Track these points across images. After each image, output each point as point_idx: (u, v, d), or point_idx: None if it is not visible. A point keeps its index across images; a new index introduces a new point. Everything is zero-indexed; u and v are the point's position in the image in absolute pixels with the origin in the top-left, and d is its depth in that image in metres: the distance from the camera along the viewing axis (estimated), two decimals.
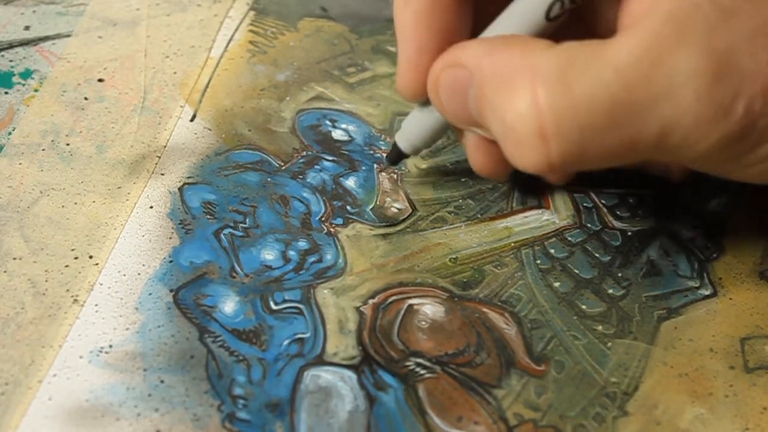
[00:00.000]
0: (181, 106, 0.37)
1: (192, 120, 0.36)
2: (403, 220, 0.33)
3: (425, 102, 0.31)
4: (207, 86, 0.38)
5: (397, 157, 0.33)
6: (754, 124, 0.24)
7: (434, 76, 0.29)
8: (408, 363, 0.29)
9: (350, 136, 0.36)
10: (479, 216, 0.34)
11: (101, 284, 0.30)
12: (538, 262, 0.32)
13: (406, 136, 0.33)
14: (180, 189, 0.33)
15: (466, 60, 0.28)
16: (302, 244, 0.32)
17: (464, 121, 0.29)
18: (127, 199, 0.33)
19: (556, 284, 0.31)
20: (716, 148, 0.25)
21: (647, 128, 0.24)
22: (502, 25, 0.29)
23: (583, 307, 0.31)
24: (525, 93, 0.25)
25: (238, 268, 0.31)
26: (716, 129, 0.24)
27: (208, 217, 0.32)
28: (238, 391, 0.28)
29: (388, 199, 0.34)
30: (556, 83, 0.25)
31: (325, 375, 0.28)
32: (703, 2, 0.24)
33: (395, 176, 0.35)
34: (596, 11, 0.30)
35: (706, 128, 0.24)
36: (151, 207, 0.33)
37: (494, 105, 0.26)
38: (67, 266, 0.31)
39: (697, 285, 0.32)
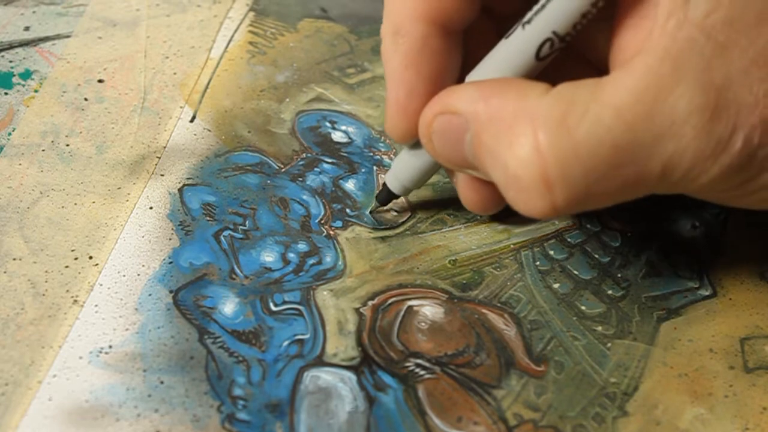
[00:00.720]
0: (181, 107, 0.37)
1: (192, 121, 0.36)
2: (403, 223, 0.33)
3: (415, 144, 0.30)
4: (207, 87, 0.38)
5: (387, 198, 0.33)
6: (754, 155, 0.24)
7: (426, 123, 0.28)
8: (408, 364, 0.29)
9: (350, 138, 0.36)
10: (478, 218, 0.34)
11: (101, 285, 0.30)
12: (538, 263, 0.32)
13: (396, 177, 0.32)
14: (180, 190, 0.33)
15: (460, 106, 0.27)
16: (302, 246, 0.32)
17: (458, 164, 0.29)
18: (127, 200, 0.33)
19: (556, 285, 0.31)
20: (717, 180, 0.25)
21: (650, 166, 0.24)
22: (492, 66, 0.28)
23: (583, 307, 0.31)
24: (526, 140, 0.25)
25: (237, 270, 0.31)
26: (716, 163, 0.24)
27: (208, 218, 0.32)
28: (237, 391, 0.28)
29: None
30: (557, 128, 0.24)
31: (325, 376, 0.28)
32: (698, 36, 0.24)
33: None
34: (588, 43, 0.29)
35: (706, 162, 0.24)
36: (151, 208, 0.33)
37: (494, 152, 0.26)
38: (67, 267, 0.31)
39: (696, 285, 0.32)
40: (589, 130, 0.24)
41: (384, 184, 0.33)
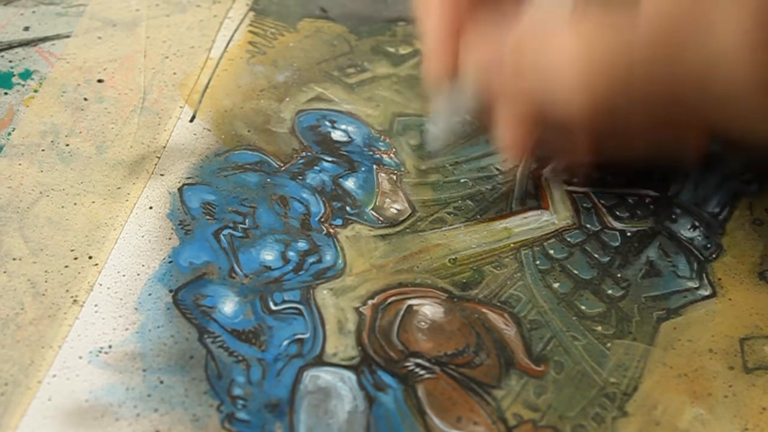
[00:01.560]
0: (181, 107, 0.37)
1: (191, 120, 0.36)
2: (403, 221, 0.33)
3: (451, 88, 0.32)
4: (206, 87, 0.38)
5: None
6: None
7: (468, 58, 0.30)
8: (407, 363, 0.29)
9: (350, 137, 0.36)
10: (478, 217, 0.34)
11: (101, 285, 0.30)
12: (538, 262, 0.32)
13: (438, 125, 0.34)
14: (179, 189, 0.33)
15: (501, 36, 0.29)
16: (302, 244, 0.32)
17: (502, 94, 0.30)
18: (127, 200, 0.33)
19: (556, 285, 0.31)
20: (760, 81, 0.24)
21: (690, 61, 0.24)
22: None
23: (583, 307, 0.31)
24: (565, 39, 0.26)
25: (237, 269, 0.31)
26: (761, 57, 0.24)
27: (208, 217, 0.33)
28: (237, 391, 0.28)
29: (387, 200, 0.34)
30: (597, 26, 0.26)
31: (325, 375, 0.28)
32: None
33: (394, 177, 0.35)
34: None
35: (750, 57, 0.24)
36: (151, 207, 0.33)
37: (534, 60, 0.27)
38: (66, 267, 0.31)
39: (696, 285, 0.32)
40: (627, 23, 0.25)
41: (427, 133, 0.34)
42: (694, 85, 0.26)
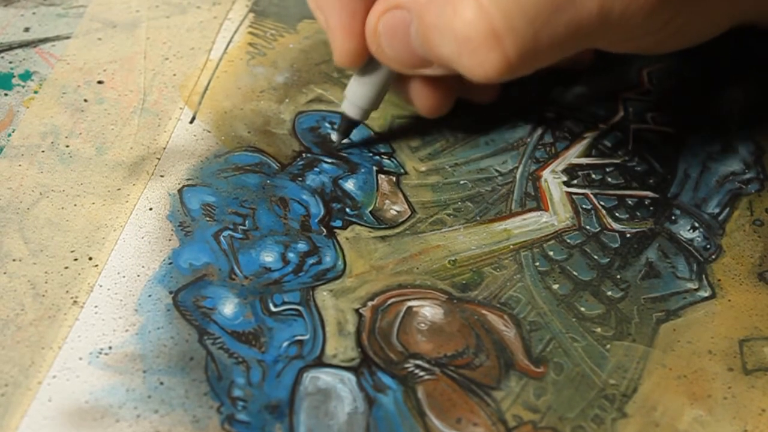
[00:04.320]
0: (181, 108, 0.37)
1: (191, 122, 0.36)
2: (402, 223, 0.33)
3: (365, 66, 0.32)
4: (206, 88, 0.38)
5: (347, 126, 0.35)
6: None
7: (372, 26, 0.30)
8: (407, 365, 0.29)
9: (349, 139, 0.36)
10: (478, 218, 0.34)
11: (101, 286, 0.30)
12: (537, 264, 0.32)
13: (352, 103, 0.34)
14: (179, 191, 0.33)
15: (400, 0, 0.29)
16: (301, 246, 0.32)
17: (409, 63, 0.31)
18: (127, 201, 0.33)
19: (555, 286, 0.31)
20: (650, 15, 0.27)
21: (588, 6, 0.26)
22: None
23: (582, 309, 0.31)
24: (468, 2, 0.27)
25: (237, 270, 0.31)
26: None
27: (208, 219, 0.33)
28: (237, 392, 0.28)
29: (387, 202, 0.34)
30: None
31: (325, 377, 0.28)
32: None
33: (394, 179, 0.35)
34: None
35: None
36: (151, 209, 0.33)
37: (440, 26, 0.28)
38: (66, 268, 0.31)
39: (695, 287, 0.32)
40: None
41: (342, 115, 0.34)
42: (597, 28, 0.28)
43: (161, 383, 0.28)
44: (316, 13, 0.32)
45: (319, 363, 0.29)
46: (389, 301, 0.31)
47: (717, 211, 0.34)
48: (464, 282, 0.31)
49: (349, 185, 0.34)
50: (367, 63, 0.32)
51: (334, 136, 0.36)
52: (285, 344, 0.29)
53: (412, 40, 0.30)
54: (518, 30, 0.27)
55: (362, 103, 0.34)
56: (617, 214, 0.34)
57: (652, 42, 0.30)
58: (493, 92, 0.36)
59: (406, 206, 0.34)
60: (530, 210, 0.34)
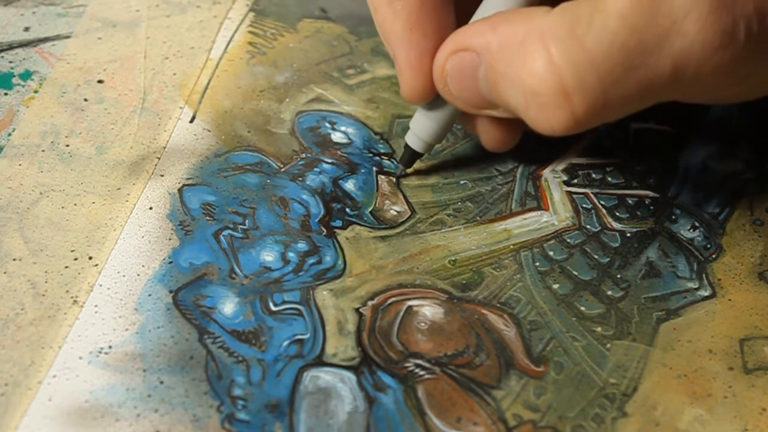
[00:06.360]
0: (181, 108, 0.37)
1: (191, 121, 0.36)
2: (402, 223, 0.33)
3: (431, 101, 0.32)
4: (206, 87, 0.38)
5: (411, 158, 0.34)
6: (757, 44, 0.25)
7: (440, 67, 0.30)
8: (407, 364, 0.29)
9: (349, 139, 0.36)
10: (478, 218, 0.34)
11: (101, 285, 0.30)
12: (537, 263, 0.32)
13: (416, 135, 0.33)
14: (179, 190, 0.33)
15: (470, 42, 0.28)
16: (301, 245, 0.32)
17: (476, 104, 0.30)
18: (127, 200, 0.33)
19: (555, 286, 0.31)
20: (727, 73, 0.26)
21: (661, 66, 0.25)
22: (492, 3, 0.29)
23: (582, 308, 0.31)
24: (539, 55, 0.26)
25: (237, 270, 0.31)
26: (726, 53, 0.25)
27: (208, 218, 0.33)
28: (237, 391, 0.28)
29: (387, 202, 0.34)
30: (567, 40, 0.25)
31: (325, 376, 0.28)
32: None
33: (394, 179, 0.35)
34: None
35: (716, 56, 0.25)
36: (151, 208, 0.33)
37: (509, 76, 0.27)
38: (66, 267, 0.31)
39: (696, 286, 0.32)
40: (598, 37, 0.25)
41: (406, 146, 0.34)
42: (668, 86, 0.26)
43: (161, 382, 0.28)
44: (385, 44, 0.32)
45: (319, 362, 0.29)
46: (389, 301, 0.31)
47: (717, 210, 0.34)
48: (464, 282, 0.31)
49: (349, 185, 0.34)
50: (434, 98, 0.32)
51: (397, 168, 0.35)
52: (285, 343, 0.29)
53: (479, 83, 0.29)
54: (588, 88, 0.26)
55: (427, 137, 0.33)
56: (618, 214, 0.34)
57: (731, 94, 0.28)
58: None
59: (406, 207, 0.34)
60: (530, 209, 0.34)
